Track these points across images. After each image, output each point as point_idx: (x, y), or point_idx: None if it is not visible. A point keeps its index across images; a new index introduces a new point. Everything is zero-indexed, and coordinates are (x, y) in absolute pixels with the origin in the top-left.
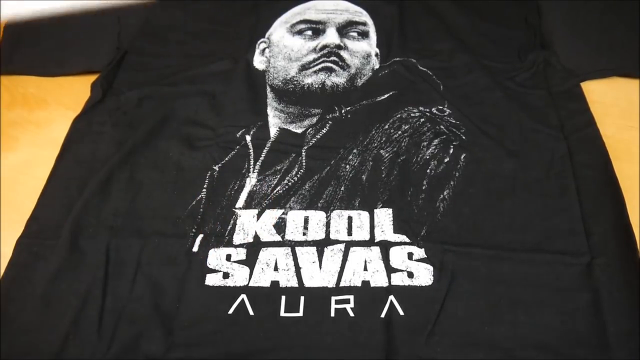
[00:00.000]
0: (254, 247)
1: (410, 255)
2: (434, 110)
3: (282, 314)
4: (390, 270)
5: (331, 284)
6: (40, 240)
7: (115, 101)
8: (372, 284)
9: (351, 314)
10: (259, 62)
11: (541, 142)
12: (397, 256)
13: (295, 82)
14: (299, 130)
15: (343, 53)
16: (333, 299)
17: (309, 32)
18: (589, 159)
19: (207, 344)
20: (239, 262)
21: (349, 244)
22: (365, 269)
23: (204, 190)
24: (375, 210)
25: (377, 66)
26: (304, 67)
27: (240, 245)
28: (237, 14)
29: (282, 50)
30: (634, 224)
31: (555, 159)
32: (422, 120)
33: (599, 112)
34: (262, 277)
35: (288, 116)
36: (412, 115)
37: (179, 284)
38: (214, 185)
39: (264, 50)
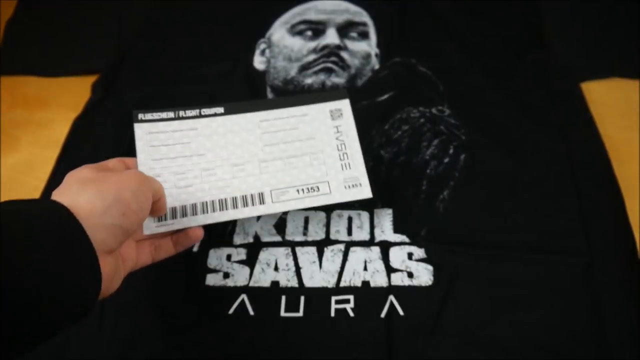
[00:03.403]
0: (254, 247)
1: (410, 255)
2: (433, 110)
3: (282, 314)
4: (390, 270)
5: (331, 284)
6: None
7: (116, 101)
8: (372, 284)
9: (351, 314)
10: (259, 62)
11: (541, 142)
12: (397, 256)
13: (296, 83)
14: None
15: (343, 53)
16: (333, 298)
17: (309, 33)
18: (589, 159)
19: (207, 344)
20: (240, 262)
21: (349, 244)
22: (365, 269)
23: None
24: (375, 210)
25: (377, 66)
26: (304, 68)
27: (241, 246)
28: (237, 14)
29: (282, 50)
30: (634, 224)
31: (555, 159)
32: (422, 120)
33: (599, 112)
34: (262, 277)
35: None
36: (412, 115)
37: (179, 284)
38: None
39: (264, 50)
